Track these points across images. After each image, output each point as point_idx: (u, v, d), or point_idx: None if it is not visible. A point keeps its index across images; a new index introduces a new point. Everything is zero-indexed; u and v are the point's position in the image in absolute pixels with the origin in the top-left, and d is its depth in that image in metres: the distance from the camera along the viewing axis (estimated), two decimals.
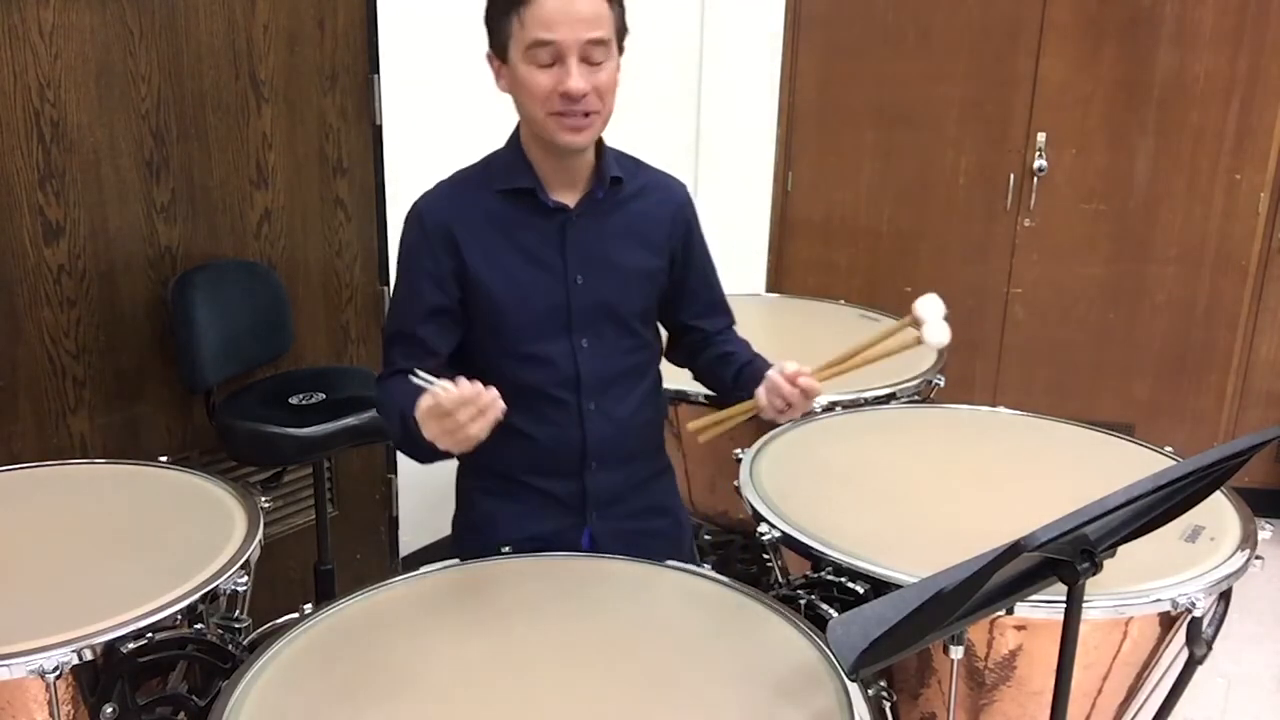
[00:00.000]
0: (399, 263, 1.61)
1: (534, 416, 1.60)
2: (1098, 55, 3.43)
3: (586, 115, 1.47)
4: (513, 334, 1.58)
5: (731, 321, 1.83)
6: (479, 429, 1.34)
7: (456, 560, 1.56)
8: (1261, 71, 3.32)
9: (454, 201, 1.58)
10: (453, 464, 1.59)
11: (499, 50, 1.50)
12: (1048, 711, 1.22)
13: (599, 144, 1.60)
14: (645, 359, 1.70)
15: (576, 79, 1.43)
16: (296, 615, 1.41)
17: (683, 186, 1.73)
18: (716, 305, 1.81)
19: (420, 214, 1.58)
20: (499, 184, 1.57)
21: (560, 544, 1.62)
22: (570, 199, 1.59)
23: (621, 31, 1.51)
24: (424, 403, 1.35)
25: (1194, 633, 1.49)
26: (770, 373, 1.57)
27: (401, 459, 2.87)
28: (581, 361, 1.60)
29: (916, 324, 1.47)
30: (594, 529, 1.68)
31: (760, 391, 1.58)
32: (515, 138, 1.60)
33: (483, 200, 1.58)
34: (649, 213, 1.65)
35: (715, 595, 1.49)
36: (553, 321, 1.59)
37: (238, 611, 1.56)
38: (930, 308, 1.47)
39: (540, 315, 1.58)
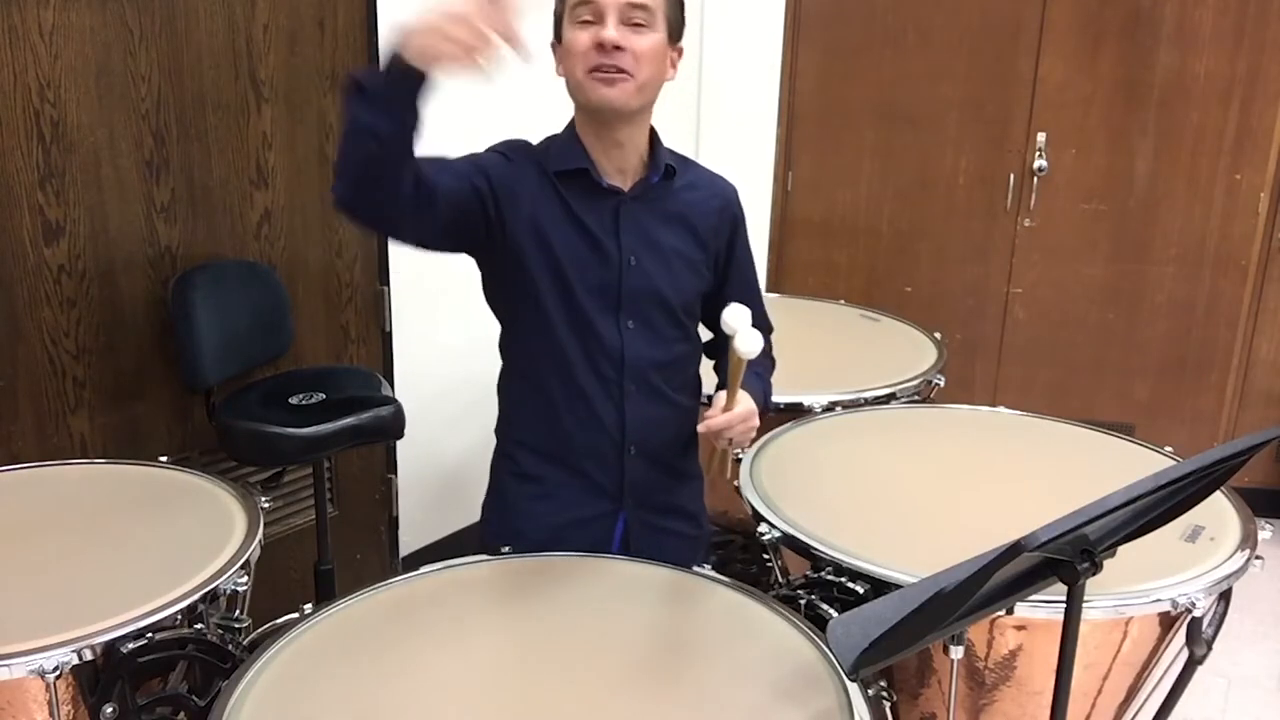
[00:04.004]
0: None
1: (576, 389, 1.64)
2: (1098, 55, 3.43)
3: (620, 72, 1.52)
4: (567, 299, 1.63)
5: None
6: (471, 36, 1.22)
7: (455, 560, 1.56)
8: (1261, 71, 3.32)
9: (521, 159, 1.62)
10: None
11: (557, 33, 1.59)
12: (1048, 711, 1.22)
13: (652, 134, 1.66)
14: (687, 351, 1.74)
15: (610, 29, 1.51)
16: (296, 615, 1.41)
17: (731, 186, 1.78)
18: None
19: (500, 148, 1.63)
20: (555, 165, 1.62)
21: (596, 530, 1.69)
22: (623, 184, 1.65)
23: (674, 20, 1.58)
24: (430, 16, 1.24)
25: (1194, 633, 1.49)
26: (699, 428, 1.62)
27: (402, 459, 2.87)
28: (627, 342, 1.64)
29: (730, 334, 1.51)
30: (629, 516, 1.72)
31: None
32: (571, 125, 1.65)
33: (543, 175, 1.62)
34: (699, 205, 1.71)
35: (715, 595, 1.49)
36: (603, 298, 1.63)
37: (238, 611, 1.56)
38: (737, 316, 1.50)
39: (592, 289, 1.63)
